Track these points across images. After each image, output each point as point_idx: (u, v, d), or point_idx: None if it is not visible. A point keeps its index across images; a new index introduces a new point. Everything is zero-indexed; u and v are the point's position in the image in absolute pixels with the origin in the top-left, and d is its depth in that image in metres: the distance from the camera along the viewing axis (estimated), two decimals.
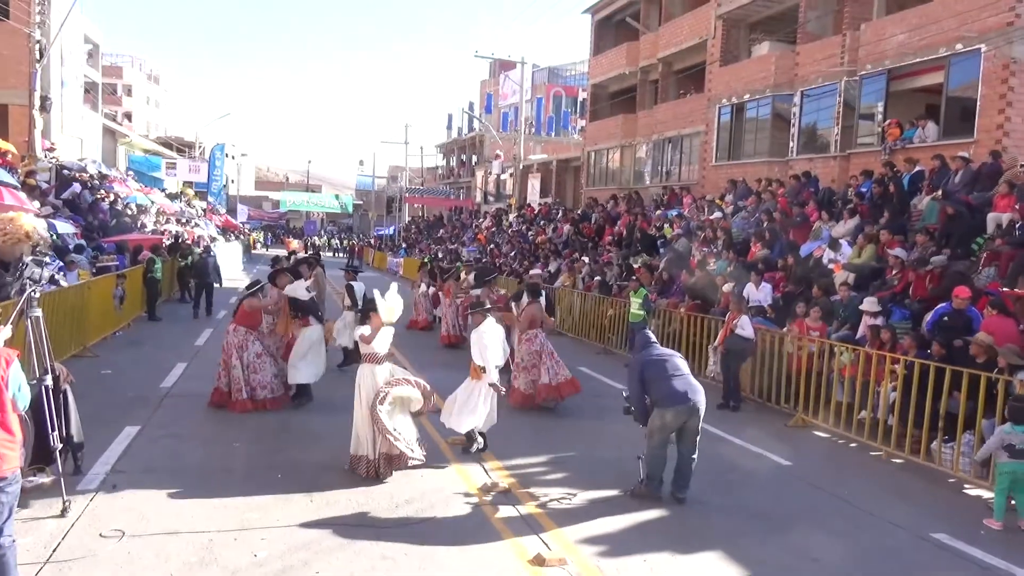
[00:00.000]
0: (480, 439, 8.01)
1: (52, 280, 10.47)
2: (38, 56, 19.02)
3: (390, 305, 7.18)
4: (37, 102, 19.28)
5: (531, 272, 13.13)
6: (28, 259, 5.91)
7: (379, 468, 7.04)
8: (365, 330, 7.20)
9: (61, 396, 6.27)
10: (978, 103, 14.96)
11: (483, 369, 7.72)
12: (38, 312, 5.95)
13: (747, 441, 9.13)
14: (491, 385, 7.78)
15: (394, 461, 7.16)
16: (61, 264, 13.00)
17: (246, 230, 56.33)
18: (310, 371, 9.75)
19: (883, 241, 12.42)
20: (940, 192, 12.74)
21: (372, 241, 56.48)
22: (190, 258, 21.86)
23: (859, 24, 18.29)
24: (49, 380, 5.91)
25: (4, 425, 4.19)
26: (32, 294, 5.87)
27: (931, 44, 15.94)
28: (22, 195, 14.42)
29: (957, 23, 15.22)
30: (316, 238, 65.72)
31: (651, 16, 28.59)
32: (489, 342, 7.78)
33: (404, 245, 44.53)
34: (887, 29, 17.26)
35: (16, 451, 4.29)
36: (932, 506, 7.32)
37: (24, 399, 4.38)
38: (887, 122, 16.95)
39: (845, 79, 18.53)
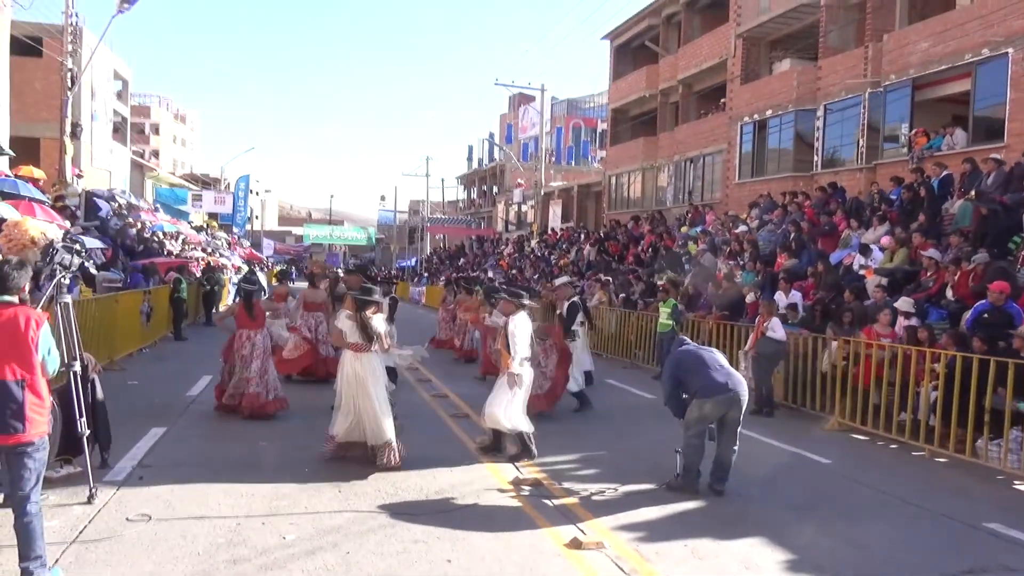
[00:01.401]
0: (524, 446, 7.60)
1: (82, 268, 10.50)
2: (69, 84, 19.49)
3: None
4: (68, 128, 19.69)
5: (557, 282, 12.90)
6: (59, 245, 5.87)
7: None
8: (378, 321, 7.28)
9: (89, 385, 6.23)
10: (1007, 107, 14.74)
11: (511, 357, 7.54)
12: (68, 298, 5.93)
13: (783, 443, 8.86)
14: (509, 375, 7.47)
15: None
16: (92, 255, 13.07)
17: (270, 263, 56.88)
18: None
19: (916, 244, 12.18)
20: (973, 193, 12.50)
21: (394, 272, 56.73)
22: (216, 285, 22.21)
23: (881, 35, 18.18)
24: (78, 367, 5.85)
25: (33, 389, 4.12)
26: (62, 280, 5.84)
27: (956, 51, 15.80)
28: (54, 213, 14.61)
29: (982, 27, 15.09)
30: (339, 270, 66.03)
31: (670, 39, 28.77)
32: (519, 334, 7.59)
33: (426, 274, 44.68)
34: (910, 38, 17.15)
35: (45, 416, 4.22)
36: (982, 499, 7.02)
37: (53, 363, 4.31)
38: (913, 131, 16.76)
39: (869, 91, 18.40)
